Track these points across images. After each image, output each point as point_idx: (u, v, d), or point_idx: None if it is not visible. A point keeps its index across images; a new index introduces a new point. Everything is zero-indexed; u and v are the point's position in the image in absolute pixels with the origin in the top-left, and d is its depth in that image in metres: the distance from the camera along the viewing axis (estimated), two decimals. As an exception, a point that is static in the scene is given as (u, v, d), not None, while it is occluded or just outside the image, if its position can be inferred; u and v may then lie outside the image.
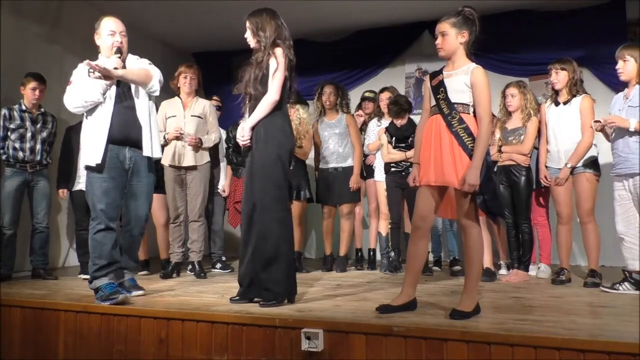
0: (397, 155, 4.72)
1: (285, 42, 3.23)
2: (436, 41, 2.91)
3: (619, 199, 3.63)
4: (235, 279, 3.37)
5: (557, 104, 4.17)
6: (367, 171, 5.21)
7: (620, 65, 3.63)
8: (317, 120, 5.15)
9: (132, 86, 3.44)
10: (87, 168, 3.34)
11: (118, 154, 3.36)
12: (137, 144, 3.42)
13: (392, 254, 4.83)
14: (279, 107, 3.23)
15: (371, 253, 5.24)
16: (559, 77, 4.11)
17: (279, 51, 3.18)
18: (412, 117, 4.83)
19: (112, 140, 3.32)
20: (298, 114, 4.86)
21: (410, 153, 4.54)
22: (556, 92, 4.19)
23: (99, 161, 3.29)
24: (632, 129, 3.46)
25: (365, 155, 5.20)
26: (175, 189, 4.59)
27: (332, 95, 5.04)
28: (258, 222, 3.15)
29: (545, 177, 4.21)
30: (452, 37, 2.84)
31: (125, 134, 3.36)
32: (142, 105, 3.46)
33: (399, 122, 4.71)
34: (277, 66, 3.17)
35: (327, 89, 5.08)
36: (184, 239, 4.71)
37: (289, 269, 3.19)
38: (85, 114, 3.39)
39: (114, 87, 3.36)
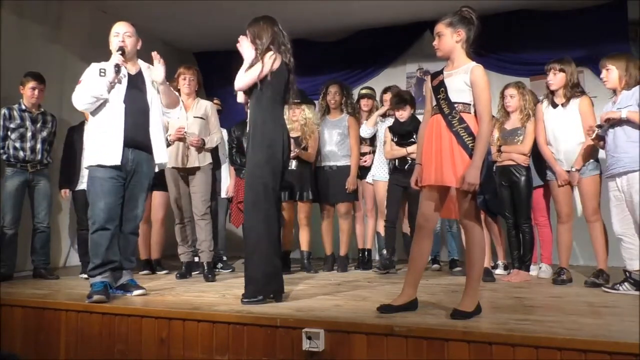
0: (398, 151, 4.71)
1: (280, 48, 3.31)
2: (434, 42, 2.93)
3: (615, 200, 3.65)
4: (236, 279, 3.37)
5: (554, 105, 4.16)
6: (361, 172, 5.12)
7: (604, 74, 3.72)
8: (321, 119, 5.11)
9: (148, 91, 3.53)
10: (93, 167, 3.38)
11: (124, 156, 3.41)
12: (141, 146, 3.48)
13: (384, 252, 4.80)
14: (272, 110, 3.28)
15: (366, 253, 5.23)
16: (557, 78, 4.10)
17: (267, 56, 3.25)
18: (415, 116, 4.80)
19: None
20: (304, 114, 4.85)
21: (410, 148, 4.53)
22: (552, 93, 4.18)
23: (117, 162, 3.36)
24: (624, 117, 3.50)
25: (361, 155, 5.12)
26: (178, 191, 4.56)
27: (337, 94, 5.04)
28: (245, 220, 3.31)
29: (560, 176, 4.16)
30: (447, 37, 2.85)
31: (134, 136, 3.43)
32: (155, 110, 3.56)
33: (400, 114, 4.67)
34: (254, 65, 3.25)
35: (332, 88, 5.07)
36: (192, 239, 4.70)
37: (267, 267, 3.20)
38: (91, 113, 3.45)
39: (123, 89, 3.40)
